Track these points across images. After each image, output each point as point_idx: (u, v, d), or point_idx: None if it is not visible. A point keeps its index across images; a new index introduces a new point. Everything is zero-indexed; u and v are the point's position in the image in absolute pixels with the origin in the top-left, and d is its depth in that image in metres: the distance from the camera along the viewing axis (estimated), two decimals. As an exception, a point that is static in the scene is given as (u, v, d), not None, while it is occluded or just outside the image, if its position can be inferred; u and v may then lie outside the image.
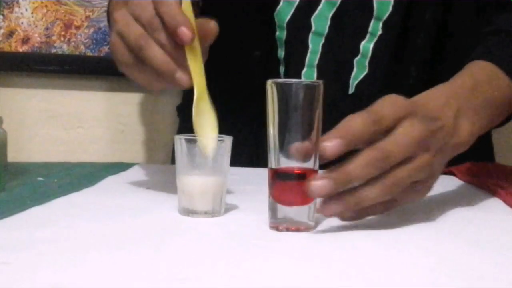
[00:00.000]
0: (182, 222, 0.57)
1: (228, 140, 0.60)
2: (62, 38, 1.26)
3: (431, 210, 0.65)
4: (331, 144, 0.54)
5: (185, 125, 1.03)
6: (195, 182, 0.59)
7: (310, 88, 0.54)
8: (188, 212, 0.59)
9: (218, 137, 0.60)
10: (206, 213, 0.59)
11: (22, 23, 1.25)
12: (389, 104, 0.57)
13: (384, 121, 0.56)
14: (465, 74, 0.72)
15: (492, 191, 0.72)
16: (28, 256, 0.46)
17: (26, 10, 1.25)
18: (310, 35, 0.87)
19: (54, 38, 1.26)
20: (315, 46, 0.87)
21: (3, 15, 1.25)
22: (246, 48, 0.90)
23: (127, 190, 0.71)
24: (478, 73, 0.74)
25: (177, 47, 0.59)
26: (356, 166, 0.54)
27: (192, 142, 0.59)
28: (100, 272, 0.43)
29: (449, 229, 0.57)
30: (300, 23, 0.87)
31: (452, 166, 0.84)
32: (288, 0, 0.88)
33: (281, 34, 0.89)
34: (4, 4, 1.25)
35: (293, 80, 0.55)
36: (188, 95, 1.01)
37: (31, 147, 1.26)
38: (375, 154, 0.54)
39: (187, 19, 0.59)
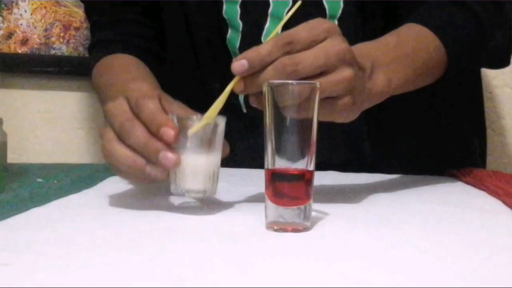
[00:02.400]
0: (181, 223, 0.57)
1: (222, 120, 0.60)
2: (61, 40, 1.26)
3: (431, 210, 0.65)
4: (236, 63, 0.58)
5: None
6: (187, 161, 0.58)
7: (306, 89, 0.55)
8: (180, 191, 0.59)
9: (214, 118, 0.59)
10: (198, 192, 0.59)
11: (21, 24, 1.26)
12: (306, 26, 0.59)
13: (298, 43, 0.58)
14: (392, 33, 0.74)
15: (492, 192, 0.72)
16: (28, 257, 0.46)
17: (25, 11, 1.26)
18: None
19: (53, 39, 1.26)
20: None
21: (2, 16, 1.25)
22: (206, 82, 0.90)
23: (127, 191, 0.71)
24: (405, 32, 0.75)
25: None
26: (266, 71, 0.57)
27: (184, 120, 0.59)
28: (100, 272, 0.43)
29: (449, 230, 0.57)
30: (251, 46, 0.87)
31: (453, 169, 0.85)
32: (234, 27, 0.88)
33: None
34: (3, 5, 1.25)
35: (289, 81, 0.56)
36: None
37: (30, 148, 1.26)
38: (284, 60, 0.57)
39: (168, 118, 0.59)
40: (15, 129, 1.23)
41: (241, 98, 0.89)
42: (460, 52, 0.77)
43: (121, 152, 0.60)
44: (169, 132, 0.58)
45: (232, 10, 0.87)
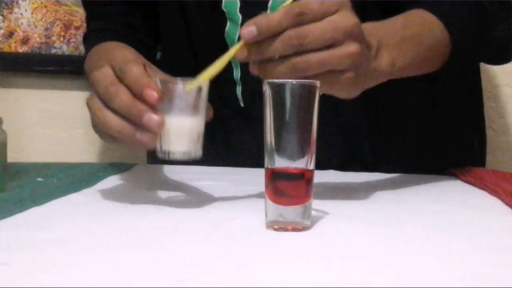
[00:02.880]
0: (181, 222, 0.57)
1: (205, 83, 0.60)
2: (61, 39, 1.26)
3: (431, 209, 0.65)
4: (245, 29, 0.58)
5: (152, 154, 1.03)
6: (171, 123, 0.59)
7: (306, 88, 0.55)
8: (166, 153, 0.60)
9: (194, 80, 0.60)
10: (183, 153, 0.60)
11: (21, 23, 1.26)
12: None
13: (309, 15, 0.58)
14: (398, 16, 0.74)
15: (492, 191, 0.72)
16: (28, 256, 0.46)
17: (26, 10, 1.26)
18: None
19: (53, 38, 1.26)
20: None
21: (2, 15, 1.25)
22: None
23: (127, 190, 0.71)
24: (411, 16, 0.75)
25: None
26: (274, 14, 0.58)
27: (167, 84, 0.60)
28: (100, 272, 0.43)
29: (449, 229, 0.57)
30: None
31: (453, 168, 0.85)
32: (233, 20, 0.88)
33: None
34: (3, 4, 1.25)
35: (289, 80, 0.56)
36: None
37: (31, 147, 1.27)
38: (291, 32, 0.58)
39: (151, 80, 0.60)
40: (15, 128, 1.23)
41: (239, 92, 0.89)
42: (463, 39, 0.77)
43: (110, 118, 0.61)
44: (152, 94, 0.59)
45: (231, 2, 0.87)
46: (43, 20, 1.26)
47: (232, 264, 0.46)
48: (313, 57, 0.59)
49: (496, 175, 0.80)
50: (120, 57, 0.64)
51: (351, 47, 0.60)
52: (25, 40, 1.26)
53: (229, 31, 0.88)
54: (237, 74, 0.88)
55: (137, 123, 0.60)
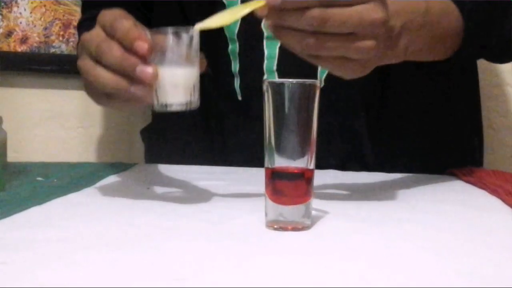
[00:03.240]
0: (181, 222, 0.57)
1: (196, 32, 0.60)
2: (60, 38, 1.26)
3: (431, 209, 0.65)
4: None
5: (152, 149, 1.02)
6: (165, 75, 0.59)
7: (306, 88, 0.55)
8: (163, 106, 0.60)
9: (185, 28, 0.60)
10: (180, 105, 0.60)
11: (20, 22, 1.25)
12: None
13: None
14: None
15: (492, 191, 0.72)
16: (28, 256, 0.46)
17: (25, 10, 1.25)
18: (264, 41, 0.86)
19: (52, 38, 1.26)
20: (271, 51, 0.86)
21: (1, 14, 1.25)
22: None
23: (127, 190, 0.71)
24: (432, 1, 0.75)
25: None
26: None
27: (157, 34, 0.60)
28: (100, 272, 0.43)
29: (449, 229, 0.57)
30: (250, 32, 0.86)
31: (453, 168, 0.85)
32: None
33: (234, 47, 0.88)
34: (2, 3, 1.25)
35: (289, 79, 0.55)
36: (157, 118, 1.01)
37: (30, 147, 1.26)
38: (317, 11, 0.57)
39: (141, 32, 0.59)
40: (15, 127, 1.23)
41: (237, 85, 0.88)
42: (476, 31, 0.77)
43: (104, 75, 0.61)
44: (142, 45, 0.59)
45: None
46: (42, 19, 1.26)
47: (232, 263, 0.46)
48: (329, 42, 0.59)
49: (497, 175, 0.80)
50: (109, 15, 0.64)
51: (369, 43, 0.59)
52: (24, 40, 1.26)
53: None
54: (235, 67, 0.88)
55: (130, 76, 0.60)
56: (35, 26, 1.26)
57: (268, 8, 0.58)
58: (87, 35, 0.64)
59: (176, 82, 0.60)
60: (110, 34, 0.62)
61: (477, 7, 0.78)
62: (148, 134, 1.04)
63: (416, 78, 0.88)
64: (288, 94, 0.54)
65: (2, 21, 1.25)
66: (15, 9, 1.25)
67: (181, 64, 0.60)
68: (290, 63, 0.86)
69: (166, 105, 0.60)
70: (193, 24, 0.88)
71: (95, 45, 0.62)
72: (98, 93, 0.65)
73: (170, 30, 0.60)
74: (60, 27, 1.25)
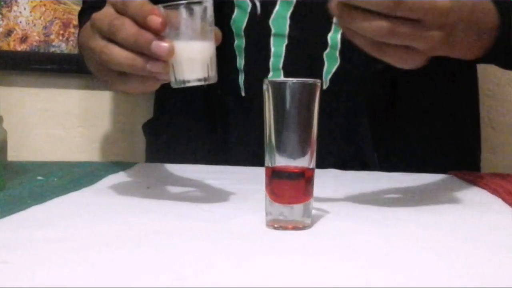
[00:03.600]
0: (181, 221, 0.57)
1: (209, 3, 0.59)
2: (60, 37, 1.26)
3: (432, 208, 0.65)
4: None
5: (153, 143, 1.02)
6: (181, 50, 0.58)
7: (307, 87, 0.54)
8: (181, 82, 0.59)
9: (198, 0, 0.59)
10: (198, 80, 0.59)
11: (20, 22, 1.25)
12: None
13: None
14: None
15: (492, 191, 0.72)
16: (28, 255, 0.46)
17: (25, 9, 1.25)
18: (272, 38, 0.86)
19: (52, 37, 1.26)
20: (278, 48, 0.86)
21: (1, 14, 1.25)
22: None
23: (127, 189, 0.71)
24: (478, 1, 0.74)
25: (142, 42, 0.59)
26: None
27: (170, 9, 0.59)
28: (100, 271, 0.43)
29: (449, 228, 0.57)
30: (258, 28, 0.86)
31: (453, 170, 0.85)
32: (241, 7, 0.87)
33: (240, 43, 0.88)
34: (2, 3, 1.25)
35: (290, 79, 0.55)
36: (159, 113, 1.01)
37: (30, 146, 1.26)
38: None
39: (154, 7, 0.58)
40: (15, 127, 1.23)
41: (241, 81, 0.88)
42: (509, 35, 0.76)
43: (119, 53, 0.60)
44: (155, 20, 0.57)
45: None
46: (42, 18, 1.26)
47: (232, 263, 0.46)
48: (401, 28, 0.58)
49: (496, 176, 0.80)
50: None
51: (436, 34, 0.59)
52: (23, 39, 1.26)
53: (236, 18, 0.88)
54: (240, 62, 0.88)
55: (146, 53, 0.58)
56: (35, 25, 1.25)
57: None
58: (98, 15, 0.62)
59: (193, 57, 0.59)
60: (122, 11, 0.60)
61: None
62: (150, 128, 1.03)
63: (418, 80, 0.88)
64: (289, 93, 0.54)
65: (2, 20, 1.25)
66: (15, 8, 1.25)
67: (196, 38, 0.59)
68: (296, 62, 0.87)
69: (183, 81, 0.59)
70: None
71: (107, 23, 0.60)
72: (112, 74, 0.63)
73: (182, 3, 0.59)
74: (60, 26, 1.25)
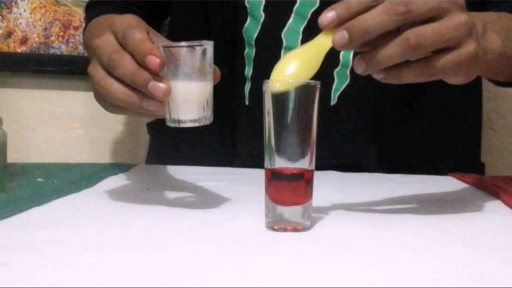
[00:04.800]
0: (181, 223, 0.57)
1: (209, 45, 0.58)
2: (60, 39, 1.26)
3: (431, 210, 0.65)
4: (322, 15, 0.55)
5: (157, 143, 1.02)
6: (178, 90, 0.57)
7: (306, 89, 0.55)
8: (175, 121, 0.59)
9: (199, 42, 0.58)
10: (193, 121, 0.58)
11: (20, 23, 1.26)
12: None
13: None
14: (488, 12, 0.71)
15: (492, 192, 0.72)
16: (28, 256, 0.46)
17: (25, 10, 1.26)
18: (282, 51, 0.86)
19: (52, 38, 1.26)
20: None
21: (1, 15, 1.25)
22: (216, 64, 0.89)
23: (127, 191, 0.71)
24: (501, 14, 0.72)
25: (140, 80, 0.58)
26: (372, 13, 0.53)
27: (171, 48, 0.58)
28: (100, 272, 0.43)
29: (449, 230, 0.57)
30: (270, 39, 0.86)
31: (454, 171, 0.85)
32: (254, 17, 0.87)
33: (250, 52, 0.88)
34: (2, 4, 1.25)
35: (289, 80, 0.55)
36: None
37: (30, 147, 1.27)
38: (394, 2, 0.53)
39: (153, 47, 0.57)
40: (15, 128, 1.23)
41: (247, 89, 0.88)
42: None
43: (116, 88, 0.59)
44: (154, 60, 0.57)
45: (255, 1, 0.87)
46: (42, 20, 1.26)
47: (232, 264, 0.46)
48: (426, 29, 0.54)
49: (496, 178, 0.80)
50: (122, 23, 0.61)
51: (461, 17, 0.55)
52: (24, 40, 1.26)
53: (249, 27, 0.88)
54: (248, 71, 0.88)
55: (143, 92, 0.58)
56: (35, 27, 1.26)
57: (341, 30, 0.54)
58: (99, 42, 0.61)
59: (189, 98, 0.58)
60: (122, 43, 0.60)
61: None
62: (154, 126, 1.03)
63: (427, 89, 0.88)
64: (288, 95, 0.54)
65: (2, 22, 1.25)
66: (15, 10, 1.25)
67: (194, 79, 0.58)
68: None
69: (178, 121, 0.58)
70: (213, 26, 0.88)
71: (107, 55, 0.60)
72: (109, 103, 0.63)
73: (183, 44, 0.58)
74: (60, 28, 1.25)
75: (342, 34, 0.54)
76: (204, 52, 0.58)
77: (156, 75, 0.57)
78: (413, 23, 0.54)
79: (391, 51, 0.54)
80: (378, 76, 0.56)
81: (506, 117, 1.25)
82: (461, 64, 0.56)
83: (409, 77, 0.56)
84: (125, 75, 0.59)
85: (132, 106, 0.59)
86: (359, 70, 0.56)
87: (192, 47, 0.58)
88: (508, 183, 0.75)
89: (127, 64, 0.58)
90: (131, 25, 0.60)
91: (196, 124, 0.59)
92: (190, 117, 0.58)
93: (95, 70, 0.61)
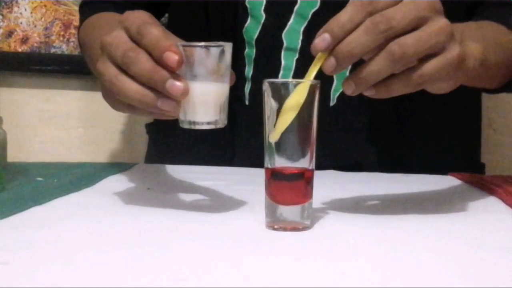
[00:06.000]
0: (181, 222, 0.57)
1: (228, 46, 0.57)
2: (61, 38, 1.26)
3: (431, 209, 0.65)
4: (317, 40, 0.54)
5: (155, 144, 1.02)
6: (195, 91, 0.55)
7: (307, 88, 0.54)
8: (190, 123, 0.57)
9: (217, 43, 0.56)
10: (209, 124, 0.57)
11: (21, 23, 1.26)
12: None
13: (379, 3, 0.54)
14: (468, 22, 0.71)
15: (491, 191, 0.72)
16: (28, 256, 0.46)
17: (25, 10, 1.26)
18: (283, 52, 0.86)
19: (53, 38, 1.26)
20: (288, 62, 0.86)
21: (2, 15, 1.25)
22: None
23: (127, 190, 0.71)
24: (482, 23, 0.72)
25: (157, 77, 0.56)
26: (355, 35, 0.53)
27: (189, 47, 0.56)
28: (100, 272, 0.43)
29: (448, 229, 0.57)
30: (270, 40, 0.86)
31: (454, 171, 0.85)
32: (255, 17, 0.87)
33: (250, 52, 0.88)
34: (3, 4, 1.25)
35: (290, 80, 0.55)
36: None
37: (30, 147, 1.27)
38: (375, 18, 0.53)
39: (171, 43, 0.55)
40: (15, 128, 1.23)
41: (247, 89, 0.88)
42: None
43: (130, 86, 0.57)
44: (172, 57, 0.54)
45: (257, 0, 0.87)
46: (43, 19, 1.26)
47: (232, 263, 0.46)
48: (408, 38, 0.54)
49: (496, 178, 0.80)
50: (135, 19, 0.58)
51: (440, 21, 0.55)
52: (24, 40, 1.26)
53: (249, 27, 0.88)
54: (248, 71, 0.88)
55: (159, 90, 0.56)
56: (35, 26, 1.26)
57: (330, 56, 0.54)
58: (109, 38, 0.59)
59: (207, 100, 0.56)
60: (136, 40, 0.57)
61: None
62: (153, 128, 1.03)
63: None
64: (288, 93, 0.54)
65: (3, 21, 1.25)
66: (15, 9, 1.25)
67: (213, 80, 0.56)
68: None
69: (193, 123, 0.56)
70: (213, 26, 0.88)
71: (122, 52, 0.57)
72: (117, 100, 0.60)
73: (202, 44, 0.56)
74: (60, 27, 1.25)
75: (331, 61, 0.55)
76: (223, 53, 0.57)
77: (174, 74, 0.55)
78: (396, 36, 0.54)
79: (378, 65, 0.54)
80: (369, 93, 0.56)
81: (506, 117, 1.25)
82: (448, 69, 0.57)
83: (398, 89, 0.56)
84: (141, 73, 0.56)
85: (146, 105, 0.57)
86: (349, 91, 0.56)
87: (211, 47, 0.56)
88: (508, 182, 0.75)
89: (143, 62, 0.56)
90: (146, 21, 0.58)
91: (212, 127, 0.57)
92: (207, 119, 0.57)
93: (106, 67, 0.59)
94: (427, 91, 0.59)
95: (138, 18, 0.58)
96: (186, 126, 0.57)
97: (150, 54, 0.56)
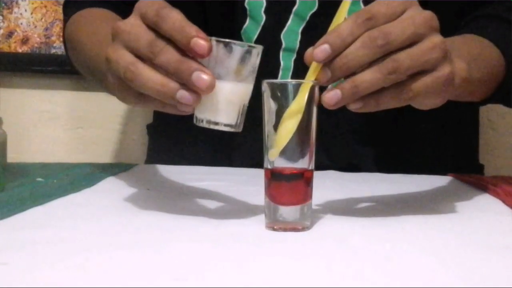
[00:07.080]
0: (181, 223, 0.58)
1: (261, 49, 0.55)
2: (61, 39, 1.26)
3: (431, 209, 0.65)
4: (317, 50, 0.54)
5: (156, 145, 1.02)
6: (220, 89, 0.53)
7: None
8: (209, 123, 0.54)
9: (251, 44, 0.55)
10: (228, 126, 0.55)
11: (21, 23, 1.26)
12: (383, 1, 0.55)
13: (379, 18, 0.54)
14: (454, 36, 0.72)
15: (492, 192, 0.72)
16: (28, 256, 0.46)
17: (26, 10, 1.26)
18: (281, 52, 0.86)
19: (53, 38, 1.26)
20: (287, 62, 0.86)
21: (2, 15, 1.25)
22: None
23: (127, 190, 0.71)
24: (467, 37, 0.73)
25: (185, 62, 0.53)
26: (352, 49, 0.53)
27: (217, 42, 0.53)
28: (100, 272, 0.43)
29: (448, 229, 0.57)
30: (269, 40, 0.86)
31: (453, 171, 0.85)
32: (254, 18, 0.87)
33: None
34: (3, 4, 1.25)
35: (289, 80, 0.55)
36: (159, 115, 1.01)
37: (30, 147, 1.27)
38: (372, 33, 0.54)
39: (198, 29, 0.53)
40: (15, 128, 1.23)
41: None
42: None
43: (150, 75, 0.54)
44: (201, 44, 0.51)
45: (257, 2, 0.87)
46: (43, 20, 1.26)
47: (231, 264, 0.46)
48: (402, 54, 0.54)
49: (496, 178, 0.80)
50: (151, 4, 0.55)
51: (435, 39, 0.56)
52: (24, 40, 1.26)
53: (248, 29, 0.87)
54: None
55: (183, 81, 0.53)
56: (35, 26, 1.26)
57: (325, 68, 0.54)
58: (123, 26, 0.56)
59: (231, 100, 0.54)
60: (155, 24, 0.54)
61: (510, 41, 0.76)
62: (154, 129, 1.03)
63: None
64: (288, 94, 0.54)
65: (3, 22, 1.25)
66: (15, 9, 1.26)
67: (240, 80, 0.54)
68: (304, 77, 0.86)
69: (214, 123, 0.54)
70: (212, 27, 0.88)
71: (147, 42, 0.54)
72: (128, 90, 0.57)
73: (235, 42, 0.54)
74: (60, 28, 1.25)
75: (326, 74, 0.55)
76: (256, 55, 0.55)
77: (201, 66, 0.53)
78: (392, 52, 0.55)
79: (370, 77, 0.54)
80: (355, 106, 0.56)
81: (506, 117, 1.25)
82: (437, 87, 0.57)
83: (387, 102, 0.56)
84: (169, 63, 0.53)
85: (163, 95, 0.54)
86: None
87: (246, 47, 0.54)
88: (508, 183, 0.75)
89: (172, 51, 0.53)
90: (163, 5, 0.54)
91: (231, 130, 0.55)
92: (227, 121, 0.54)
93: (120, 55, 0.55)
94: (414, 107, 0.60)
95: (156, 3, 0.55)
96: (203, 124, 0.55)
97: (173, 39, 0.53)
